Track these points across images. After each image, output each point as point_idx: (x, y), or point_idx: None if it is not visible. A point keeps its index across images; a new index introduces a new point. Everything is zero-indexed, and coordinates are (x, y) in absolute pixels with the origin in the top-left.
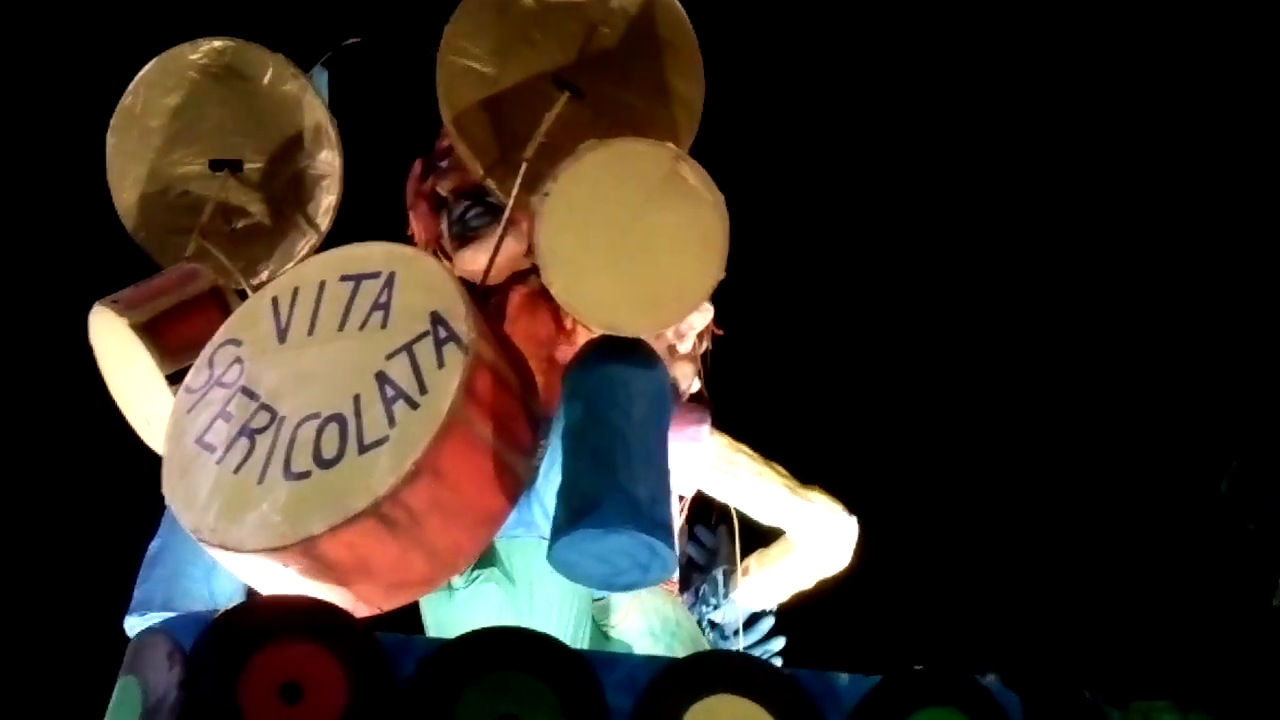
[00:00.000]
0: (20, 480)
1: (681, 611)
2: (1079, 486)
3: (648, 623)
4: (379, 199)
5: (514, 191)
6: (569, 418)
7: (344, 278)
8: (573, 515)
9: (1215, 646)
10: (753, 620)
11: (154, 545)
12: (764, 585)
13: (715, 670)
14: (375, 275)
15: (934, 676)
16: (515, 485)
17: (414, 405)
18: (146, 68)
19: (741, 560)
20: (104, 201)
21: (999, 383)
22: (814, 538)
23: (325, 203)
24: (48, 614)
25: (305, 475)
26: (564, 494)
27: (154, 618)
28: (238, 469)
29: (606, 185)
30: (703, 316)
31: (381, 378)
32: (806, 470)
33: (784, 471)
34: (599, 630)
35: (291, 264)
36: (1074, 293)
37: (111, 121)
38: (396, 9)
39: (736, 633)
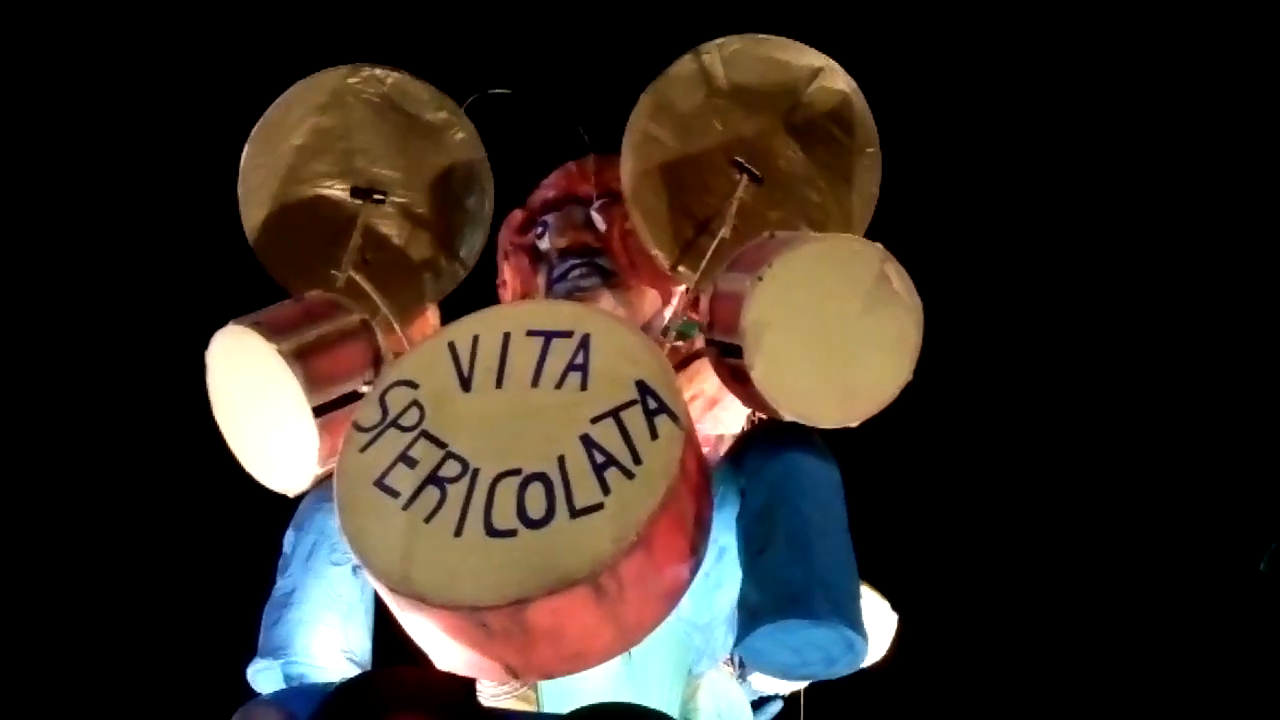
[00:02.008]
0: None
1: (739, 693)
2: (1115, 568)
3: (716, 704)
4: None
5: (701, 267)
6: (751, 502)
7: (531, 332)
8: (777, 604)
9: None
10: (760, 704)
11: (284, 585)
12: None
13: None
14: (567, 334)
15: None
16: (698, 563)
17: (629, 475)
18: (299, 84)
19: None
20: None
21: (1037, 462)
22: None
23: (468, 248)
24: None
25: (511, 534)
26: (761, 580)
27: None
28: (429, 518)
29: (818, 277)
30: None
31: (588, 441)
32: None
33: None
34: None
35: (421, 305)
36: (1112, 375)
37: (252, 133)
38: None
39: None
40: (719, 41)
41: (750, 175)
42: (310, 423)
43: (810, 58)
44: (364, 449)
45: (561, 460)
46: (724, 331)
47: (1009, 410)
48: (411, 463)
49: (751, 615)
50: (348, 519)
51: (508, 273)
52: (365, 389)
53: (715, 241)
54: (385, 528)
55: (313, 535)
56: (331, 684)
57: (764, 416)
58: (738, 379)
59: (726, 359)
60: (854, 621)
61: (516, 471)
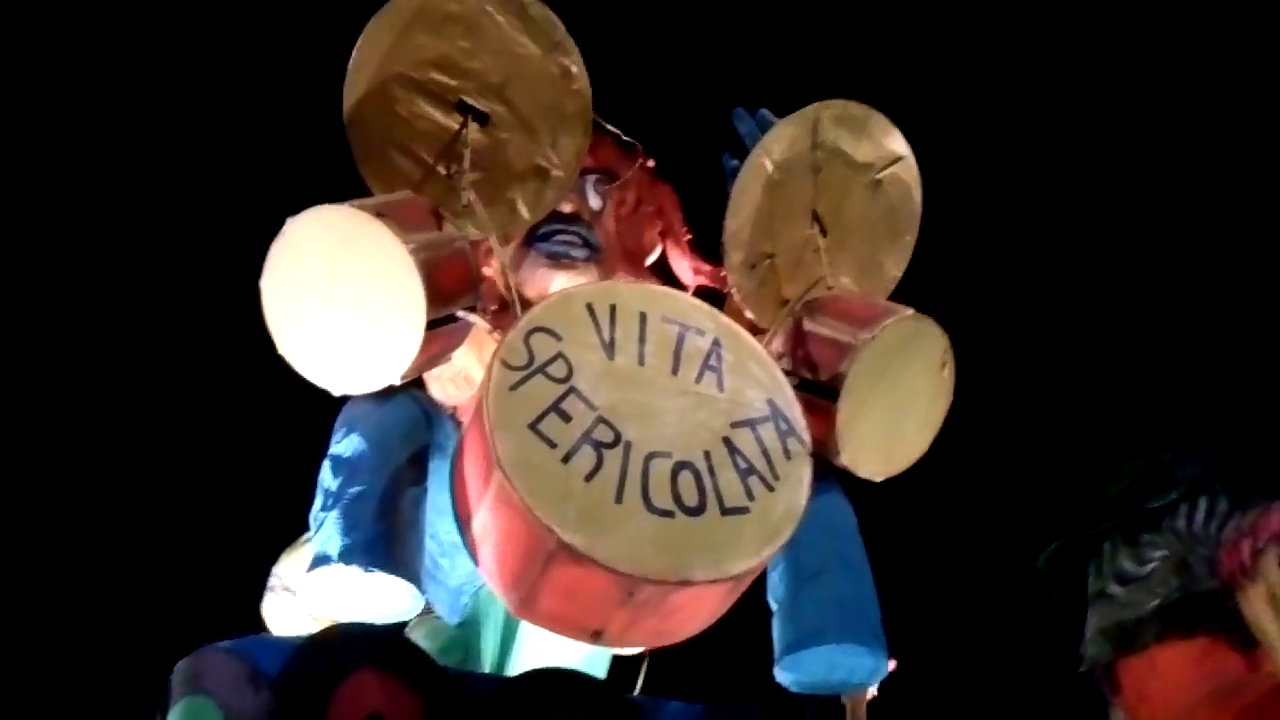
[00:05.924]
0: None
1: None
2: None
3: None
4: None
5: (790, 309)
6: (801, 529)
7: (667, 319)
8: (840, 627)
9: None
10: None
11: (353, 489)
12: None
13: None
14: (700, 332)
15: None
16: None
17: (769, 488)
18: None
19: None
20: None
21: None
22: None
23: (546, 198)
24: None
25: (668, 514)
26: (822, 601)
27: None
28: (588, 478)
29: (908, 347)
30: None
31: (729, 445)
32: None
33: None
34: None
35: (488, 241)
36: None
37: (380, 12)
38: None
39: None
40: (839, 102)
41: (821, 229)
42: (415, 334)
43: (898, 145)
44: (514, 387)
45: (708, 455)
46: (814, 370)
47: None
48: (565, 416)
49: (811, 632)
50: (508, 452)
51: None
52: (462, 314)
53: (807, 289)
54: (547, 474)
55: (382, 445)
56: (292, 640)
57: None
58: (811, 412)
59: (807, 393)
60: (886, 650)
61: (667, 455)
